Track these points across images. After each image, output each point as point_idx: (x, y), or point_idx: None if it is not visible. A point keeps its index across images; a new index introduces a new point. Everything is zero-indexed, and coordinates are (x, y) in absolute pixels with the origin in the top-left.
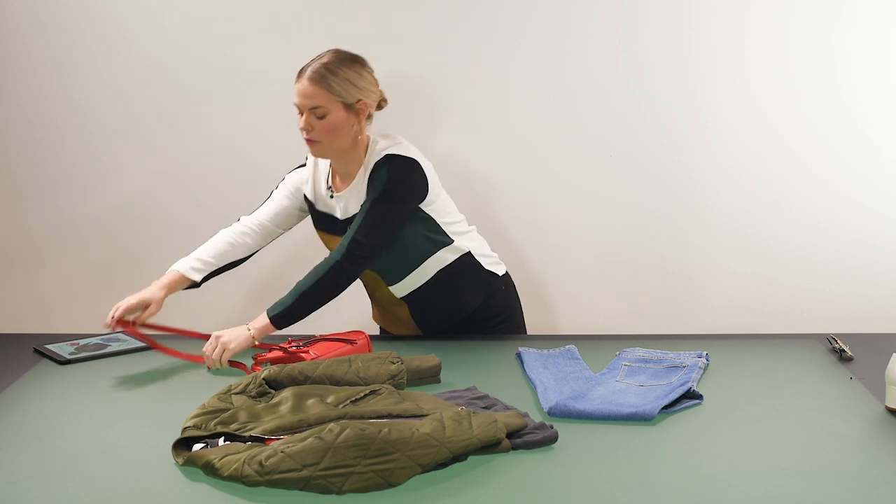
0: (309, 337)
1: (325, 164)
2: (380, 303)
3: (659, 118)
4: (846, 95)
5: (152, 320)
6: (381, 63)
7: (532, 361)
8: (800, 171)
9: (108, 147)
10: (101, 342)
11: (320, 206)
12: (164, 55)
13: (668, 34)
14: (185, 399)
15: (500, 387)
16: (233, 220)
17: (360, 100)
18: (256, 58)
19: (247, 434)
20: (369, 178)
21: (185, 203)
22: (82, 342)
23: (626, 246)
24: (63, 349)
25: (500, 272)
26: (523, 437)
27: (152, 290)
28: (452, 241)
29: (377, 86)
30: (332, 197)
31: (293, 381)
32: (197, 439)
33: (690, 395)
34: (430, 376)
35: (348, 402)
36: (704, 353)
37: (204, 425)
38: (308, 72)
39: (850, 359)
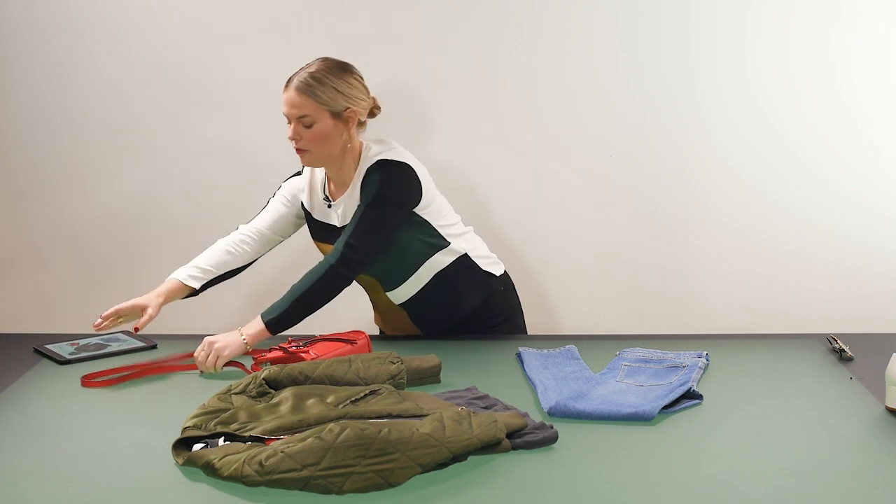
0: (309, 337)
1: (320, 173)
2: (379, 308)
3: (659, 118)
4: (846, 95)
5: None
6: (380, 63)
7: (532, 361)
8: (800, 171)
9: (108, 147)
10: (101, 342)
11: (318, 216)
12: (164, 55)
13: (668, 34)
14: (185, 399)
15: (500, 387)
16: (232, 220)
17: (348, 108)
18: (256, 58)
19: (247, 434)
20: (362, 184)
21: (185, 203)
22: (82, 342)
23: (626, 246)
24: (63, 349)
25: (498, 272)
26: (523, 437)
27: (149, 296)
28: (449, 243)
29: (367, 93)
30: (329, 206)
31: (293, 381)
32: (197, 439)
33: (690, 395)
34: (430, 376)
35: (348, 402)
36: (704, 353)
37: (204, 425)
38: (295, 81)
39: (850, 359)
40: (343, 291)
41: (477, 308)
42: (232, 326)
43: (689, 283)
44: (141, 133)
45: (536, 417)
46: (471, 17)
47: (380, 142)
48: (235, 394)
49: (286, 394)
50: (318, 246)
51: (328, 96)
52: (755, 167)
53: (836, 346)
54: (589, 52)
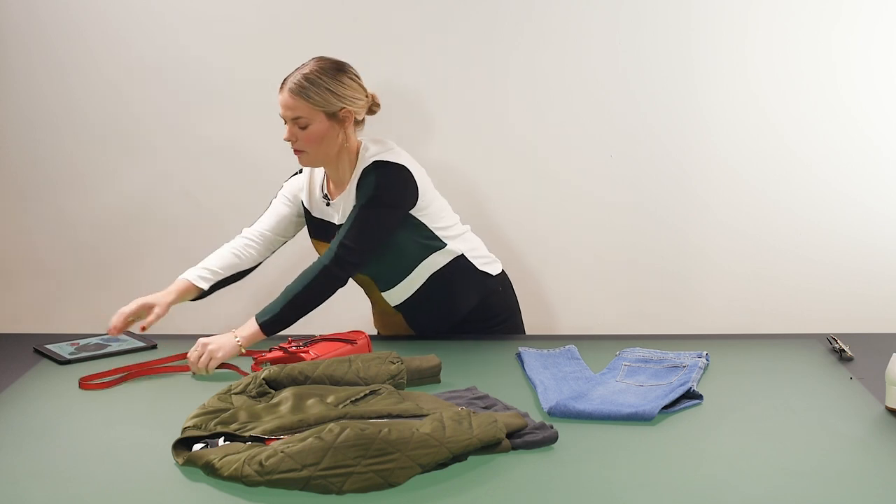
0: (309, 337)
1: (320, 172)
2: (375, 308)
3: (659, 118)
4: (846, 95)
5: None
6: (380, 63)
7: (532, 361)
8: (800, 171)
9: (108, 147)
10: (101, 342)
11: (317, 214)
12: (164, 55)
13: (668, 34)
14: (185, 399)
15: (500, 387)
16: (232, 220)
17: (343, 108)
18: (256, 58)
19: (247, 434)
20: (358, 185)
21: (185, 203)
22: (82, 342)
23: (626, 246)
24: (63, 349)
25: (495, 272)
26: (523, 437)
27: (157, 295)
28: (445, 244)
29: (363, 92)
30: (328, 204)
31: (293, 381)
32: (197, 439)
33: (690, 395)
34: (430, 376)
35: (348, 402)
36: (704, 353)
37: (204, 425)
38: (289, 83)
39: (850, 359)
40: (343, 291)
41: (474, 308)
42: (235, 327)
43: (689, 283)
44: (141, 133)
45: (536, 417)
46: (471, 17)
47: (378, 142)
48: (235, 394)
49: (286, 394)
50: (315, 245)
51: (322, 97)
52: (755, 167)
53: (836, 346)
54: (589, 52)
